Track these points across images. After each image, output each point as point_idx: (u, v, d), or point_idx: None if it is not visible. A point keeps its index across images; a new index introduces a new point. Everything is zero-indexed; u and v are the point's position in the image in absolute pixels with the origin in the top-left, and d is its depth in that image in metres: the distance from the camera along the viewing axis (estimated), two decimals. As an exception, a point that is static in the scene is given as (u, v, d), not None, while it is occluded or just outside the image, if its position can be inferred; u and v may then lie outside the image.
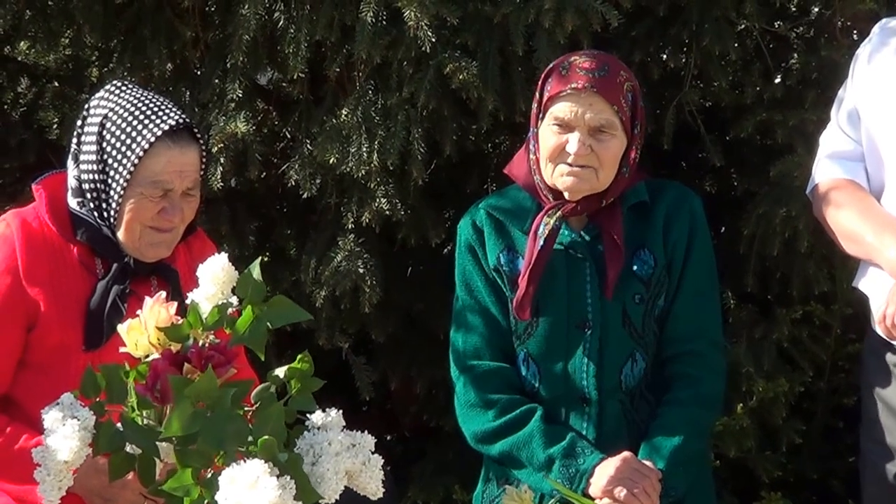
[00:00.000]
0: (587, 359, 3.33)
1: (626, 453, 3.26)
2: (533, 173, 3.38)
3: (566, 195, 3.32)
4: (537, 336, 3.37)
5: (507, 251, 3.41)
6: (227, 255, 2.45)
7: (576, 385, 3.35)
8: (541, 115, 3.34)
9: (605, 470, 3.23)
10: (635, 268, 3.36)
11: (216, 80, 4.24)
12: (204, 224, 3.75)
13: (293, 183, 4.17)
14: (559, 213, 3.32)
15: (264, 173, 4.36)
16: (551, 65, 3.38)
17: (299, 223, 4.55)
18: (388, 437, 5.06)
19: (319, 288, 4.19)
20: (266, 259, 4.52)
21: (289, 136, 4.45)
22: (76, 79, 4.94)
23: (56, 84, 5.11)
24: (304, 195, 4.19)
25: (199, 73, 4.44)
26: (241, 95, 4.13)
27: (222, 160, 4.13)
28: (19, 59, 5.17)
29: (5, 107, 5.17)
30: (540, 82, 3.37)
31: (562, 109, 3.27)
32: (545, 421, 3.34)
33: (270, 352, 4.05)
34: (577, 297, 3.35)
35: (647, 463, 3.26)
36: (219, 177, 4.11)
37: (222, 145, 4.12)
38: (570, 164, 3.27)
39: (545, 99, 3.32)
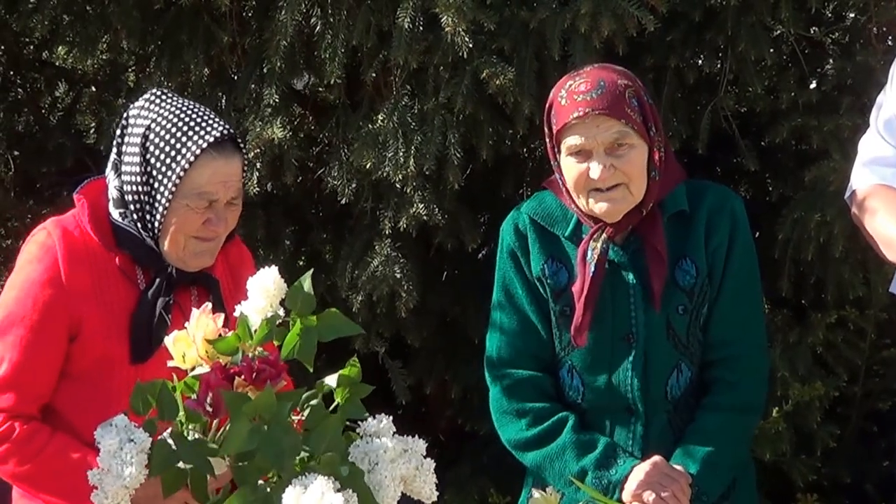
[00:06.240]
0: (632, 371, 3.30)
1: (656, 457, 3.24)
2: (569, 202, 3.35)
3: (607, 220, 3.28)
4: (581, 349, 3.33)
5: (552, 261, 3.36)
6: (262, 258, 2.44)
7: (621, 396, 3.32)
8: (556, 149, 3.29)
9: (636, 474, 3.22)
10: (677, 278, 3.30)
11: (253, 85, 4.26)
12: (239, 229, 3.75)
13: (329, 188, 4.18)
14: (604, 234, 3.28)
15: (300, 178, 4.37)
16: (550, 95, 3.30)
17: (335, 228, 4.56)
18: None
19: (356, 293, 4.20)
20: (302, 264, 4.54)
21: (325, 141, 4.45)
22: (113, 84, 4.96)
23: (93, 89, 5.15)
24: (341, 200, 4.20)
25: (235, 78, 4.46)
26: (277, 100, 4.14)
27: (259, 165, 4.15)
28: (57, 63, 5.20)
29: (43, 111, 5.22)
30: (545, 115, 3.31)
31: (573, 140, 3.21)
32: (577, 430, 3.32)
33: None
34: (621, 310, 3.30)
35: (678, 467, 3.24)
36: (255, 182, 4.13)
37: (259, 150, 4.13)
38: (599, 190, 3.22)
39: (554, 133, 3.27)
